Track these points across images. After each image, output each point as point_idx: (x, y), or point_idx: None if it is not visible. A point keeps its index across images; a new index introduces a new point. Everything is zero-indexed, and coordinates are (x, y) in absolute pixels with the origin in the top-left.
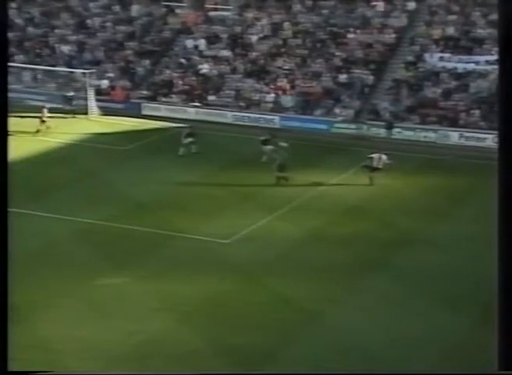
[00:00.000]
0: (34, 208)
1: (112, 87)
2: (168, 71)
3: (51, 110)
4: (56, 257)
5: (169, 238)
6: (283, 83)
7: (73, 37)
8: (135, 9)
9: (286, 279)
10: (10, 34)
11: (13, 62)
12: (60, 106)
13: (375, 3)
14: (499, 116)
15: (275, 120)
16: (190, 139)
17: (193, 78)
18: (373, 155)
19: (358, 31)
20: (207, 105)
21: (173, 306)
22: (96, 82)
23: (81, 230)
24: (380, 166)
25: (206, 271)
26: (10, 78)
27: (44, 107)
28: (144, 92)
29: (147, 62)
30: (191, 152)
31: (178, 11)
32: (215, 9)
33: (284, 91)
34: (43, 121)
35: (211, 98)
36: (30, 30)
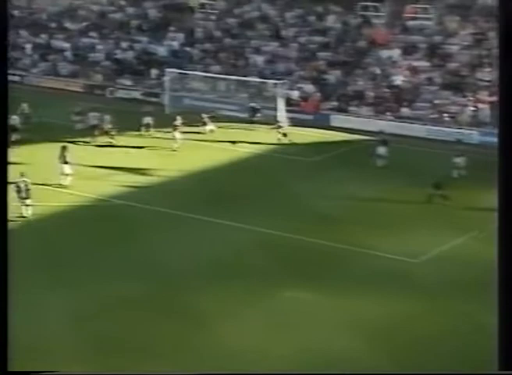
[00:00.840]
0: (222, 217)
1: (303, 98)
2: (360, 82)
3: (241, 120)
4: (242, 267)
5: (356, 254)
6: (483, 95)
7: (267, 48)
8: (331, 19)
9: (482, 305)
10: (208, 45)
11: (209, 72)
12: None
13: None
14: (499, 116)
15: (473, 135)
16: (381, 152)
17: (386, 90)
18: None
19: None
20: (399, 117)
21: (358, 325)
22: (286, 92)
23: (266, 241)
24: None
25: (393, 290)
26: (206, 87)
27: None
28: (334, 103)
29: (338, 72)
30: (381, 165)
31: (374, 21)
32: (414, 19)
33: (484, 104)
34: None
35: (403, 110)
36: (227, 41)
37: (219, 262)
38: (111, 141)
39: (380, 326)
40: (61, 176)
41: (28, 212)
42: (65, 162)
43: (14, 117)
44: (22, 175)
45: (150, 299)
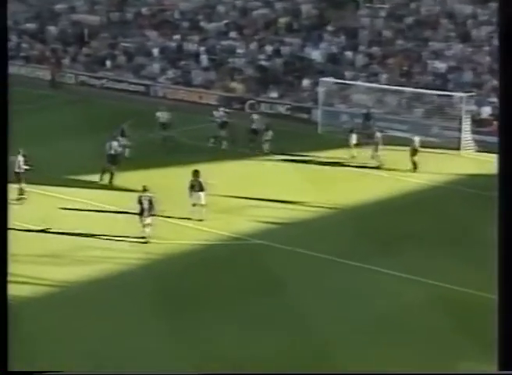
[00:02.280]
0: (382, 264)
1: (495, 116)
2: None
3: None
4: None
5: None
6: None
7: (451, 52)
8: None
9: None
10: (375, 49)
11: (375, 82)
12: (428, 138)
13: None
14: (499, 116)
15: None
16: None
17: None
18: None
19: None
20: None
21: None
22: (474, 108)
23: (439, 297)
24: None
25: None
26: (371, 101)
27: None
28: None
29: None
30: None
31: None
32: None
33: None
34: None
35: None
36: (399, 43)
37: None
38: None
39: None
40: (191, 208)
41: (147, 231)
42: (199, 190)
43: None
44: (145, 189)
45: None
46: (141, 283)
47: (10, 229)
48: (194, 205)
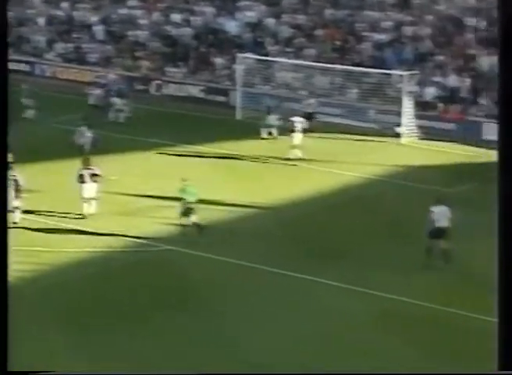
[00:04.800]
0: (326, 275)
1: (441, 99)
2: None
3: (347, 129)
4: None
5: None
6: None
7: (387, 23)
8: None
9: None
10: (302, 18)
11: (302, 58)
12: (360, 124)
13: None
14: (499, 116)
15: None
16: None
17: None
18: None
19: None
20: None
21: None
22: (417, 89)
23: (386, 311)
24: None
25: None
26: (298, 81)
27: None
28: (488, 106)
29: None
30: None
31: None
32: None
33: None
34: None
35: None
36: (329, 12)
37: (330, 343)
38: None
39: None
40: (83, 204)
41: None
42: (90, 181)
43: None
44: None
45: None
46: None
47: (10, 227)
48: (85, 200)
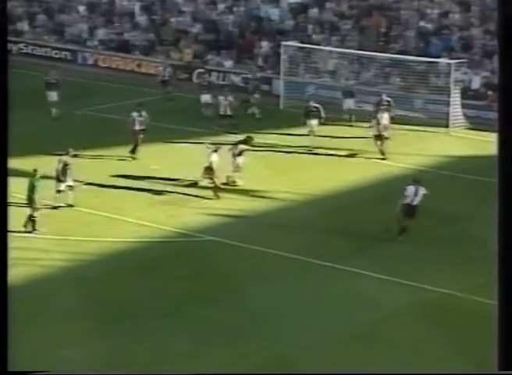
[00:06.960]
0: (360, 265)
1: (490, 87)
2: None
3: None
4: (390, 337)
5: None
6: None
7: (435, 10)
8: None
9: None
10: (347, 6)
11: (348, 47)
12: (407, 114)
13: None
14: (499, 116)
15: None
16: None
17: None
18: None
19: None
20: None
21: None
22: (464, 78)
23: (428, 304)
24: None
25: None
26: (343, 70)
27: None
28: None
29: None
30: None
31: None
32: None
33: None
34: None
35: None
36: None
37: (359, 332)
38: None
39: None
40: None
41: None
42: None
43: None
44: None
45: None
46: (67, 291)
47: (10, 231)
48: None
